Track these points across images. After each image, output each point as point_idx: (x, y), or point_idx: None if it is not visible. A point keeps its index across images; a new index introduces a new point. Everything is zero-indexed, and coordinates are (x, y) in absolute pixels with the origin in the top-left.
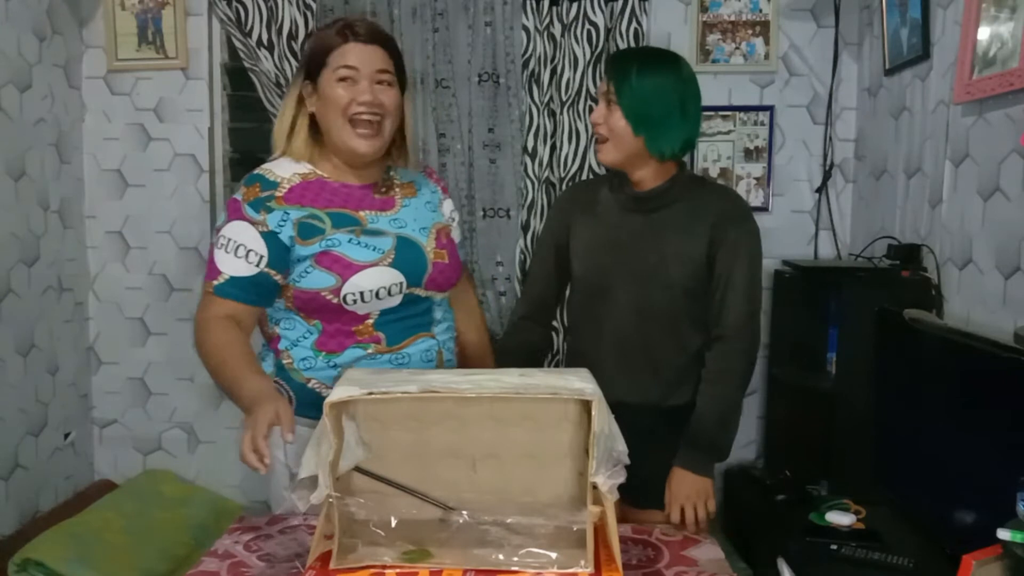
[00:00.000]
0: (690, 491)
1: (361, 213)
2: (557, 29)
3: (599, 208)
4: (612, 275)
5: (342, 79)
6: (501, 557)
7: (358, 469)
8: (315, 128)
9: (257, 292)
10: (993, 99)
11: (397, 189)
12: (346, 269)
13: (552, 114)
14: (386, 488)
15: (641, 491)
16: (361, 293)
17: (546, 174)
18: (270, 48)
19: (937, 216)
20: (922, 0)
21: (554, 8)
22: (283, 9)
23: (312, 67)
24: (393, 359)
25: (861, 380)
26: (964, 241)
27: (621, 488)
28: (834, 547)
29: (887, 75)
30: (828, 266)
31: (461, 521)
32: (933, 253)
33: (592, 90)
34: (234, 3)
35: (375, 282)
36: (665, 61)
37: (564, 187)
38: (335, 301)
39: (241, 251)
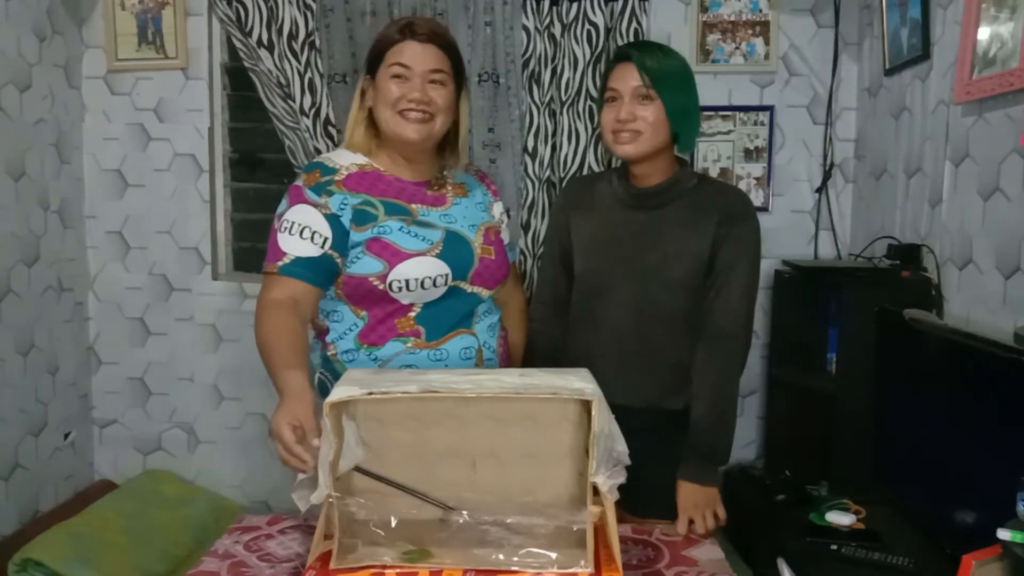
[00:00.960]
0: (698, 501)
1: (413, 206)
2: (557, 29)
3: (598, 204)
4: (613, 273)
5: (396, 76)
6: (501, 557)
7: (358, 469)
8: (374, 123)
9: (321, 273)
10: (993, 99)
11: (450, 187)
12: (394, 256)
13: (552, 114)
14: (386, 488)
15: (639, 498)
16: (407, 281)
17: (547, 174)
18: (270, 48)
19: (937, 216)
20: (922, 0)
21: (554, 8)
22: (283, 9)
23: (372, 62)
24: (432, 355)
25: (861, 380)
26: (964, 241)
27: (620, 492)
28: (834, 547)
29: (887, 75)
30: (828, 266)
31: (461, 521)
32: (933, 253)
33: (592, 90)
34: (234, 3)
35: (421, 271)
36: (674, 52)
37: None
38: (381, 287)
39: (306, 232)
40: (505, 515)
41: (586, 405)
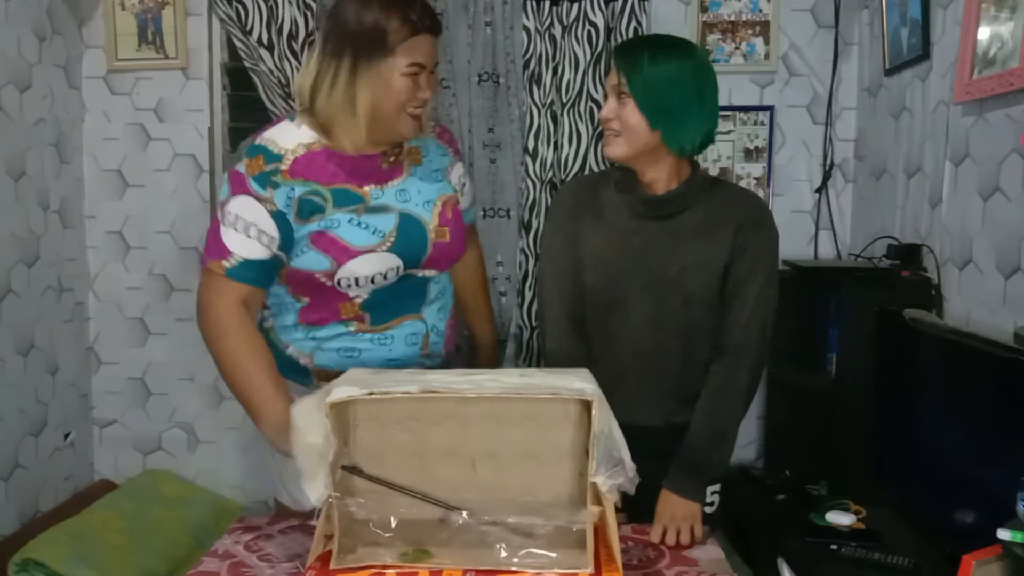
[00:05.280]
0: (675, 513)
1: (365, 188)
2: (557, 30)
3: (607, 212)
4: (626, 286)
5: (409, 74)
6: (501, 557)
7: (358, 472)
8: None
9: (269, 274)
10: (993, 99)
11: (405, 156)
12: (342, 253)
13: (554, 115)
14: (386, 488)
15: (649, 510)
16: (356, 279)
17: (549, 175)
18: (270, 48)
19: (937, 216)
20: (922, 0)
21: (554, 9)
22: (283, 9)
23: (376, 49)
24: (375, 339)
25: (861, 380)
26: (964, 241)
27: (635, 507)
28: (834, 547)
29: (887, 75)
30: (828, 266)
31: (461, 521)
32: (933, 253)
33: (593, 91)
34: (234, 3)
35: (371, 268)
36: (678, 48)
37: None
38: (328, 284)
39: (253, 231)
40: (505, 515)
41: (586, 405)
